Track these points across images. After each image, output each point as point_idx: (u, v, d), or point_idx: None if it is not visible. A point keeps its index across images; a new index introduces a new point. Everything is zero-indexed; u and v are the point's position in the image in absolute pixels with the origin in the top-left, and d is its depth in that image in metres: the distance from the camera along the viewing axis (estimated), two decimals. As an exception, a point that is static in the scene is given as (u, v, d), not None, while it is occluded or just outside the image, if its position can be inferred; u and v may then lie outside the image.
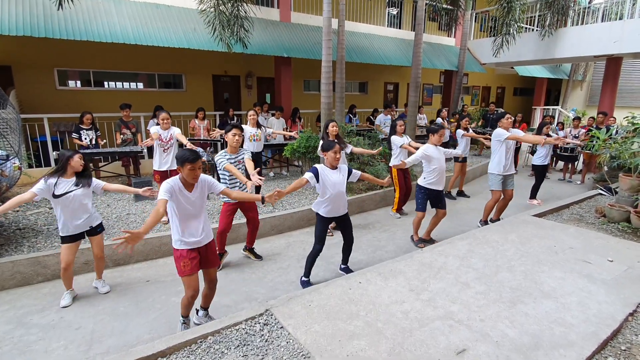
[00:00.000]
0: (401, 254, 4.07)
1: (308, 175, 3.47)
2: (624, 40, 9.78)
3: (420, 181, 4.65)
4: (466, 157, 6.97)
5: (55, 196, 3.21)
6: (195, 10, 7.44)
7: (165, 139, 4.84)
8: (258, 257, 4.38)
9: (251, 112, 5.92)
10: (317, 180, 3.48)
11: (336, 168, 3.61)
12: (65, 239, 3.35)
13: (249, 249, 4.39)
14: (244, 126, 5.74)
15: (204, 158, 6.58)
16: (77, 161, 3.30)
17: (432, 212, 4.77)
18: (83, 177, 3.38)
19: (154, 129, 4.85)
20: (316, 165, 3.53)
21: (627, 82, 15.26)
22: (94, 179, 3.49)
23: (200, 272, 2.93)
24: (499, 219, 5.44)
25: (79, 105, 7.81)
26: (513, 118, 5.46)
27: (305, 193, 6.30)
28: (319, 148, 4.81)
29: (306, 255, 3.76)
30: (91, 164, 6.45)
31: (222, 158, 3.84)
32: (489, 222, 5.37)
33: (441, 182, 4.61)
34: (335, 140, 3.81)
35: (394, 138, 5.71)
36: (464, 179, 7.25)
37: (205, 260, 2.91)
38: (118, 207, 5.47)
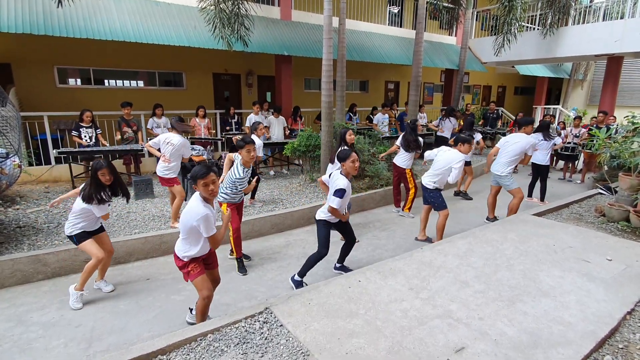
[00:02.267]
0: (401, 253, 4.07)
1: (336, 202, 3.40)
2: (625, 39, 9.77)
3: (430, 185, 4.64)
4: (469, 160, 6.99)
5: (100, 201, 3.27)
6: (195, 8, 7.43)
7: (173, 145, 4.81)
8: (246, 257, 4.33)
9: (260, 126, 5.60)
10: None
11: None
12: (87, 234, 3.36)
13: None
14: (254, 138, 5.63)
15: (204, 157, 6.58)
16: (100, 178, 3.23)
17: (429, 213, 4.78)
18: (118, 189, 3.39)
19: (156, 140, 4.73)
20: (342, 187, 3.41)
21: (628, 82, 15.23)
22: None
23: None
24: (495, 218, 5.45)
25: (79, 103, 7.81)
26: (516, 119, 5.53)
27: (305, 192, 6.30)
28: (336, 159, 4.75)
29: (306, 254, 3.77)
30: (91, 162, 6.45)
31: (239, 175, 3.85)
32: (497, 219, 5.42)
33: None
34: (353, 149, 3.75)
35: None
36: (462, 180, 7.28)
37: (206, 262, 2.93)
38: (118, 205, 5.48)
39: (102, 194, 3.25)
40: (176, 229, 4.49)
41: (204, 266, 2.88)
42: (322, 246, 3.62)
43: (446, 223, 4.66)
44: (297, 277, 3.67)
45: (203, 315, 2.85)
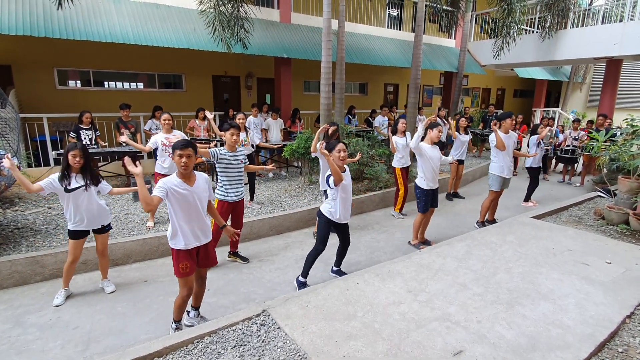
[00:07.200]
0: (399, 255, 4.07)
1: (331, 181, 3.38)
2: (624, 42, 9.79)
3: (420, 183, 4.59)
4: (463, 159, 6.98)
5: (67, 190, 3.22)
6: (195, 10, 7.45)
7: (171, 143, 4.81)
8: (245, 259, 4.31)
9: (240, 116, 5.54)
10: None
11: (345, 170, 3.56)
12: (74, 234, 3.35)
13: (234, 252, 4.32)
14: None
15: (202, 158, 6.58)
16: (70, 159, 3.18)
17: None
18: (88, 174, 3.31)
19: (152, 140, 4.74)
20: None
21: (628, 84, 15.26)
22: (103, 181, 3.47)
23: None
24: (494, 220, 5.44)
25: (79, 105, 7.80)
26: (515, 121, 5.51)
27: (304, 194, 6.30)
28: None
29: (304, 256, 3.75)
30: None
31: (222, 152, 3.83)
32: (485, 224, 5.38)
33: (435, 180, 4.62)
34: (341, 140, 3.68)
35: (394, 138, 5.67)
36: (459, 181, 7.28)
37: (203, 259, 2.90)
38: (117, 207, 5.47)
39: (70, 173, 3.22)
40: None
41: (195, 265, 2.89)
42: (319, 242, 3.63)
43: (421, 223, 4.68)
44: (300, 279, 3.68)
45: (180, 310, 2.88)
